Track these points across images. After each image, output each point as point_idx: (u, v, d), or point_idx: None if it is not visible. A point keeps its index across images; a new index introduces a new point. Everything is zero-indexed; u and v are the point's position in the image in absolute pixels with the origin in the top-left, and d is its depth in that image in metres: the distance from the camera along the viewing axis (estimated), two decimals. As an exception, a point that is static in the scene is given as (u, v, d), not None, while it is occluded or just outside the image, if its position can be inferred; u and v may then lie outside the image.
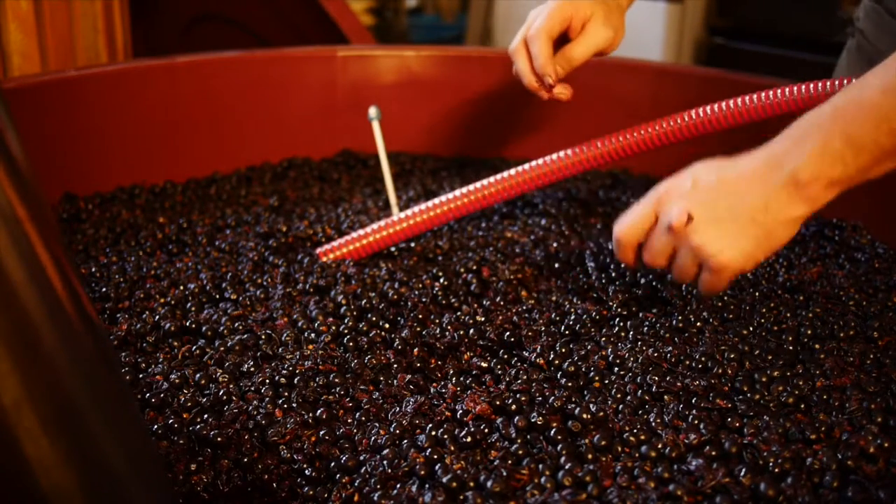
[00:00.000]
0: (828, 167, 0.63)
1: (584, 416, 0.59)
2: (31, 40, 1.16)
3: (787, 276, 0.85)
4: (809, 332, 0.73)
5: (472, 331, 0.73)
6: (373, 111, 1.04)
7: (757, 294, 0.81)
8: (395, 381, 0.67)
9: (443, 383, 0.66)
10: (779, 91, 0.79)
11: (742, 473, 0.53)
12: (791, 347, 0.71)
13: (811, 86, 0.78)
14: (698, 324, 0.76)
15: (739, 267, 0.66)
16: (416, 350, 0.72)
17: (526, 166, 0.89)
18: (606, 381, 0.66)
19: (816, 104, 0.66)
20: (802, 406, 0.62)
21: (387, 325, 0.75)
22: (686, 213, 0.66)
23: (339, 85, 1.23)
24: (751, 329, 0.75)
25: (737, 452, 0.56)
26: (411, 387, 0.66)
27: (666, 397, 0.63)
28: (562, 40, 0.93)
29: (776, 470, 0.54)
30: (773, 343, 0.72)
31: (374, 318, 0.76)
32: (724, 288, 0.69)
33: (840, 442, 0.57)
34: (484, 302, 0.81)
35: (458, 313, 0.78)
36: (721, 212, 0.65)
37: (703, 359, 0.68)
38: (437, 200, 0.89)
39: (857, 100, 0.62)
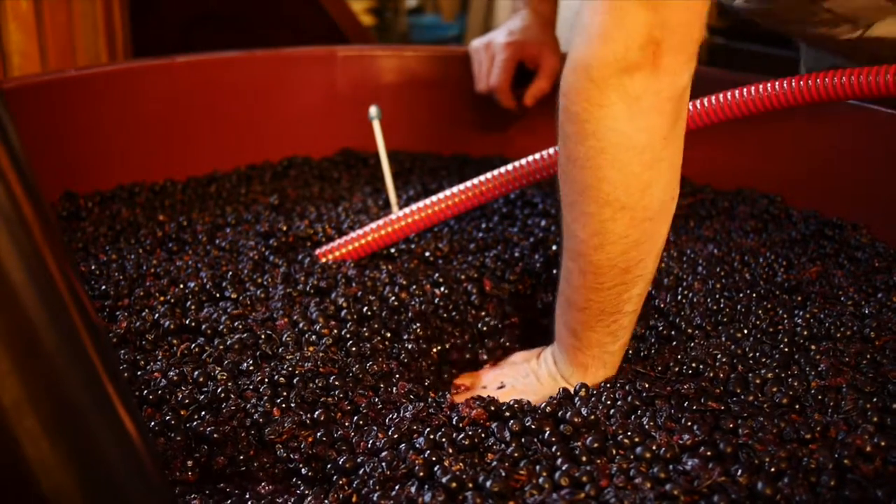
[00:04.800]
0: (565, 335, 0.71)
1: (576, 419, 0.59)
2: (31, 40, 1.16)
3: (787, 276, 0.85)
4: (805, 332, 0.73)
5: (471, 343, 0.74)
6: (373, 110, 1.04)
7: (754, 295, 0.81)
8: (394, 389, 0.67)
9: (441, 392, 0.67)
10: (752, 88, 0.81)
11: (739, 473, 0.53)
12: (786, 349, 0.71)
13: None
14: (689, 330, 0.76)
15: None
16: (419, 361, 0.72)
17: (523, 161, 0.89)
18: (597, 389, 0.66)
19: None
20: (797, 406, 0.62)
21: (388, 334, 0.75)
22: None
23: (339, 85, 1.23)
24: (745, 332, 0.75)
25: (732, 452, 0.56)
26: (411, 396, 0.66)
27: (657, 401, 0.63)
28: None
29: (772, 469, 0.54)
30: (768, 345, 0.72)
31: (375, 325, 0.76)
32: None
33: (836, 441, 0.57)
34: (483, 315, 0.81)
35: (459, 329, 0.79)
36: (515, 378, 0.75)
37: (693, 364, 0.68)
38: (434, 198, 0.89)
39: None
